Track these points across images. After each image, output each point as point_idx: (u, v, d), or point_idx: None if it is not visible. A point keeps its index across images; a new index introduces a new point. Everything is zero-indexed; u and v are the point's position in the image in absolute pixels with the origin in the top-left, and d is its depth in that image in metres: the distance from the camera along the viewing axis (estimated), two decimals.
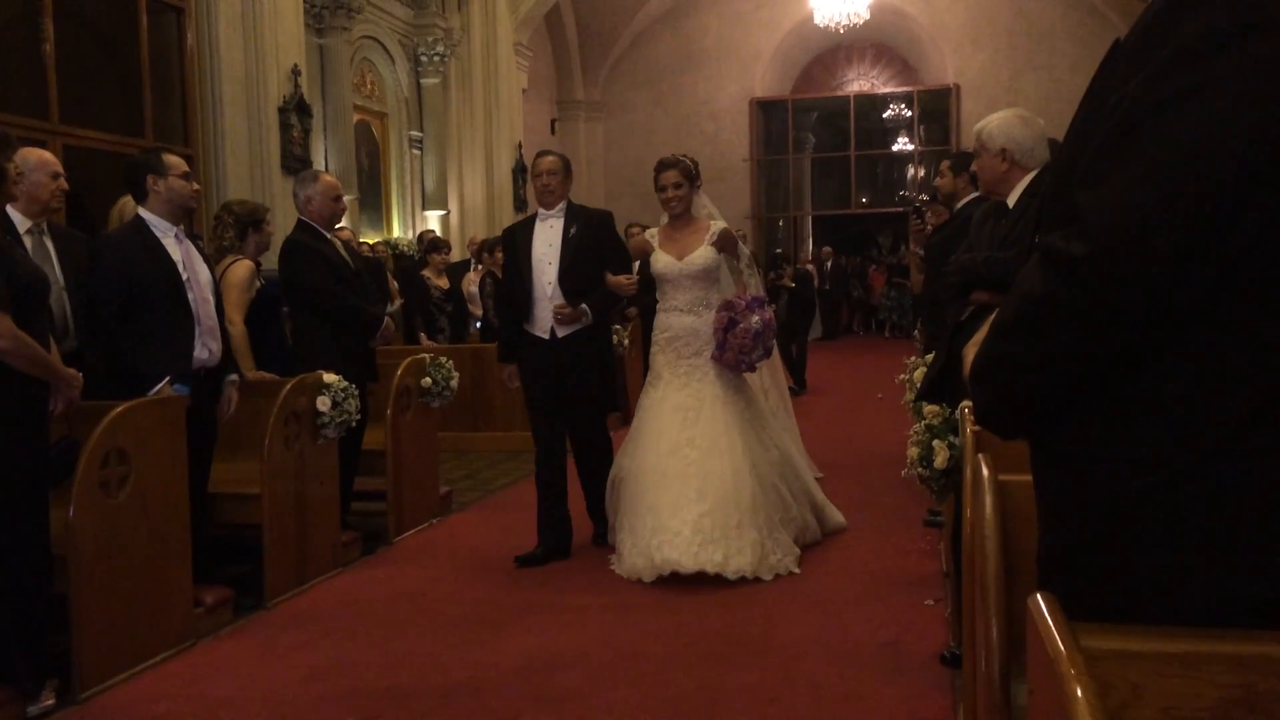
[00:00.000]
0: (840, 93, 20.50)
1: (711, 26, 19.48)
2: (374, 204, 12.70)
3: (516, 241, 5.01)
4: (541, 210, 4.96)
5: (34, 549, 3.28)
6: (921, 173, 20.04)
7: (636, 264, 5.05)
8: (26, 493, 3.24)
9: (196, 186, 4.28)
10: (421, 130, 13.59)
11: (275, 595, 4.37)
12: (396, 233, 12.95)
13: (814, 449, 7.34)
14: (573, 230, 4.87)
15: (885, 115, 21.38)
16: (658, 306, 4.94)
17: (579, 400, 4.94)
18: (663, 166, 4.91)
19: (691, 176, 4.88)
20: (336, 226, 5.38)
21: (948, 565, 4.04)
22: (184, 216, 4.21)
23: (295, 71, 9.55)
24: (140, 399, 3.75)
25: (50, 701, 3.32)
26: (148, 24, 8.15)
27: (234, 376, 4.31)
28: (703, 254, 4.79)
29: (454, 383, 5.74)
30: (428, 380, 5.57)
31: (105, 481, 3.50)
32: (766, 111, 20.19)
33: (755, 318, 4.66)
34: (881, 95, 20.73)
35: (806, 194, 21.96)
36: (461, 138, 13.96)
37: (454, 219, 13.74)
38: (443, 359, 5.76)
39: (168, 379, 3.96)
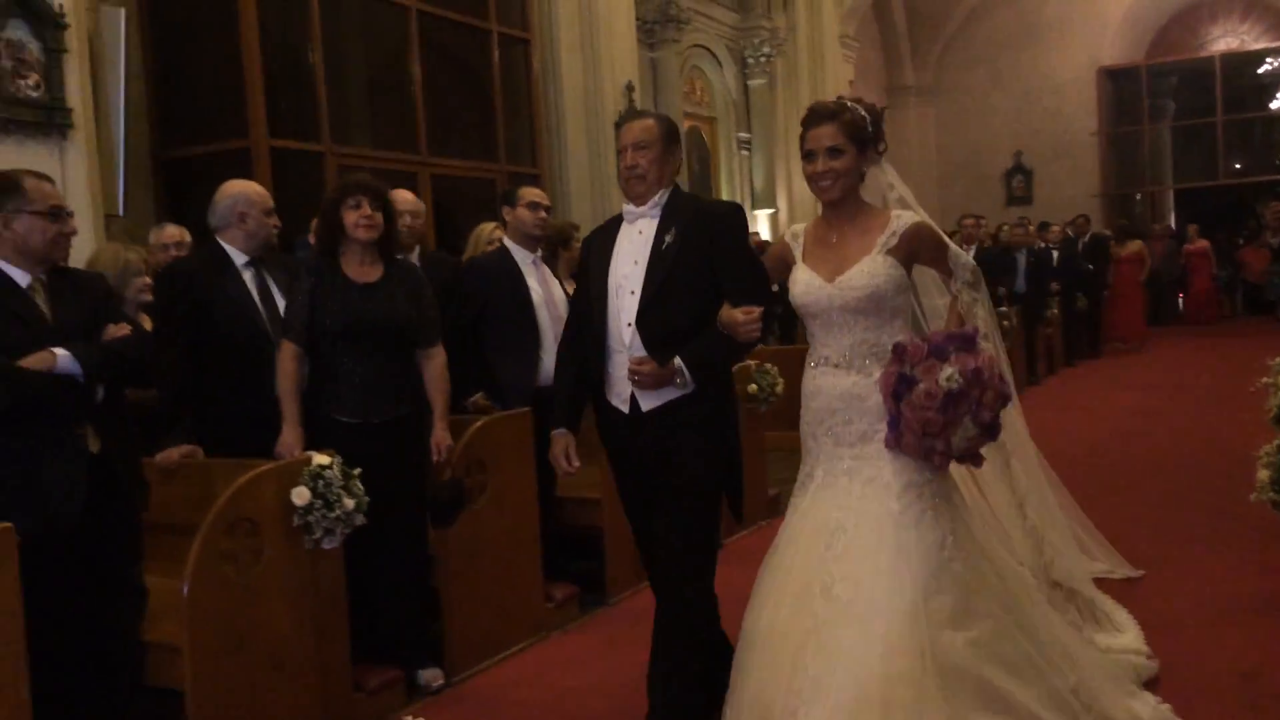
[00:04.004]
0: (1203, 53, 18.63)
1: None
2: None
3: (591, 257, 3.20)
4: (627, 208, 3.08)
5: (417, 552, 3.79)
6: None
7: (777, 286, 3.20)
8: (411, 508, 3.72)
9: (543, 215, 4.61)
10: (749, 131, 13.83)
11: (616, 593, 4.69)
12: None
13: (1171, 449, 6.80)
14: (668, 238, 2.99)
15: (1260, 72, 19.19)
16: (807, 357, 3.00)
17: (669, 517, 3.01)
18: (813, 119, 2.88)
19: (862, 137, 2.85)
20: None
21: None
22: (534, 244, 4.59)
23: (629, 87, 10.04)
24: (496, 414, 4.17)
25: (440, 682, 3.79)
26: (499, 56, 8.87)
27: None
28: (869, 269, 2.81)
29: (779, 388, 5.81)
30: (753, 387, 5.70)
31: (469, 489, 3.92)
32: (1116, 81, 18.73)
33: (948, 371, 2.63)
34: (1254, 52, 18.63)
35: (1166, 166, 20.13)
36: (789, 136, 14.04)
37: (783, 217, 13.87)
38: (768, 366, 5.86)
39: (480, 393, 4.40)
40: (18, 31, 5.18)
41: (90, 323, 3.00)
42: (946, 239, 2.93)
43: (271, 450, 3.49)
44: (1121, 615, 3.70)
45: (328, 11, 7.26)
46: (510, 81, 9.01)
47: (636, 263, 3.02)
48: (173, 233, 4.70)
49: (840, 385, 2.86)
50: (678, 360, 2.94)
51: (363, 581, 3.61)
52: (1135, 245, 14.21)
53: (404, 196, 4.65)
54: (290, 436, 3.51)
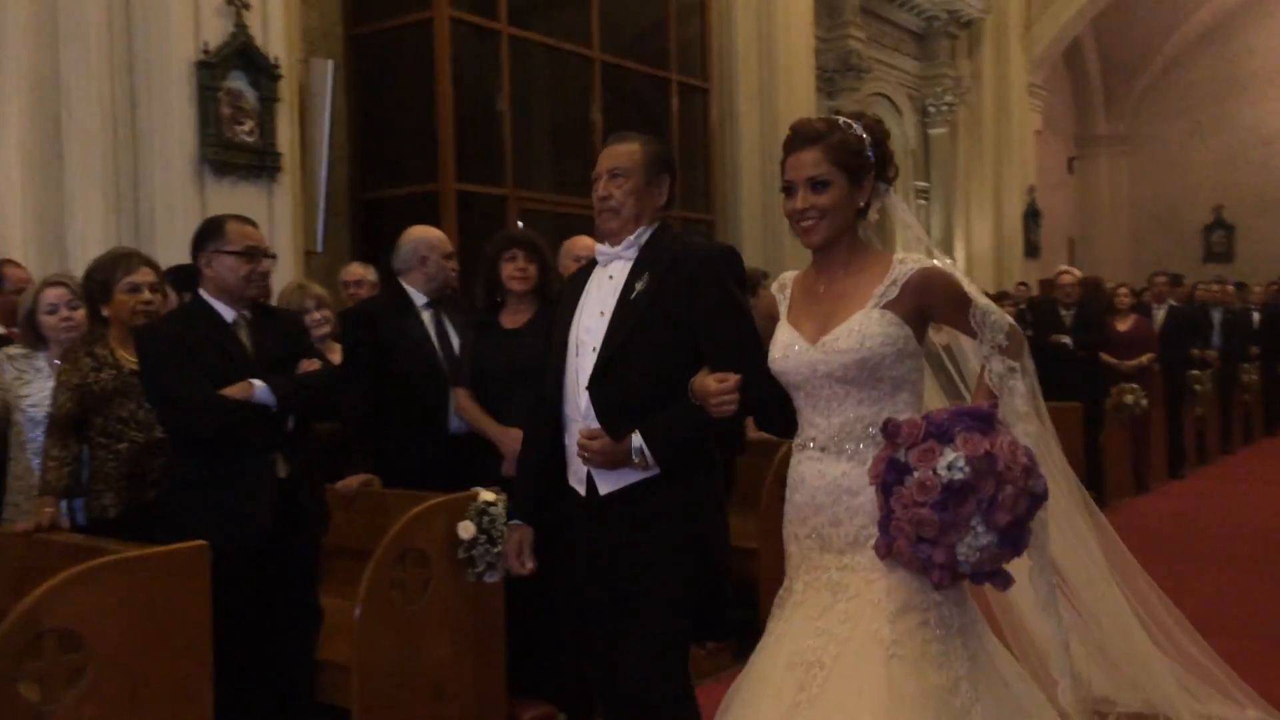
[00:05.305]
0: None
1: (1260, 45, 17.38)
2: None
3: (560, 307, 2.73)
4: (600, 249, 2.63)
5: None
6: None
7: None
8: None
9: None
10: (927, 180, 13.62)
11: None
12: None
13: None
14: (639, 285, 2.51)
15: None
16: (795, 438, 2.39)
17: (630, 634, 2.48)
18: (792, 142, 2.28)
19: (855, 164, 2.24)
20: None
21: None
22: None
23: None
24: None
25: None
26: (678, 104, 9.04)
27: None
28: (860, 327, 2.19)
29: None
30: None
31: None
32: None
33: (949, 457, 2.01)
34: None
35: None
36: (969, 185, 13.77)
37: (959, 268, 13.53)
38: None
39: None
40: (237, 82, 5.64)
41: (286, 357, 3.23)
42: (971, 290, 2.26)
43: (445, 483, 3.64)
44: None
45: (517, 61, 7.59)
46: (688, 129, 9.17)
47: (602, 314, 2.53)
48: (355, 271, 4.98)
49: (827, 475, 2.23)
50: (635, 437, 2.41)
51: (524, 616, 3.72)
52: None
53: (584, 243, 4.79)
54: (504, 436, 3.61)
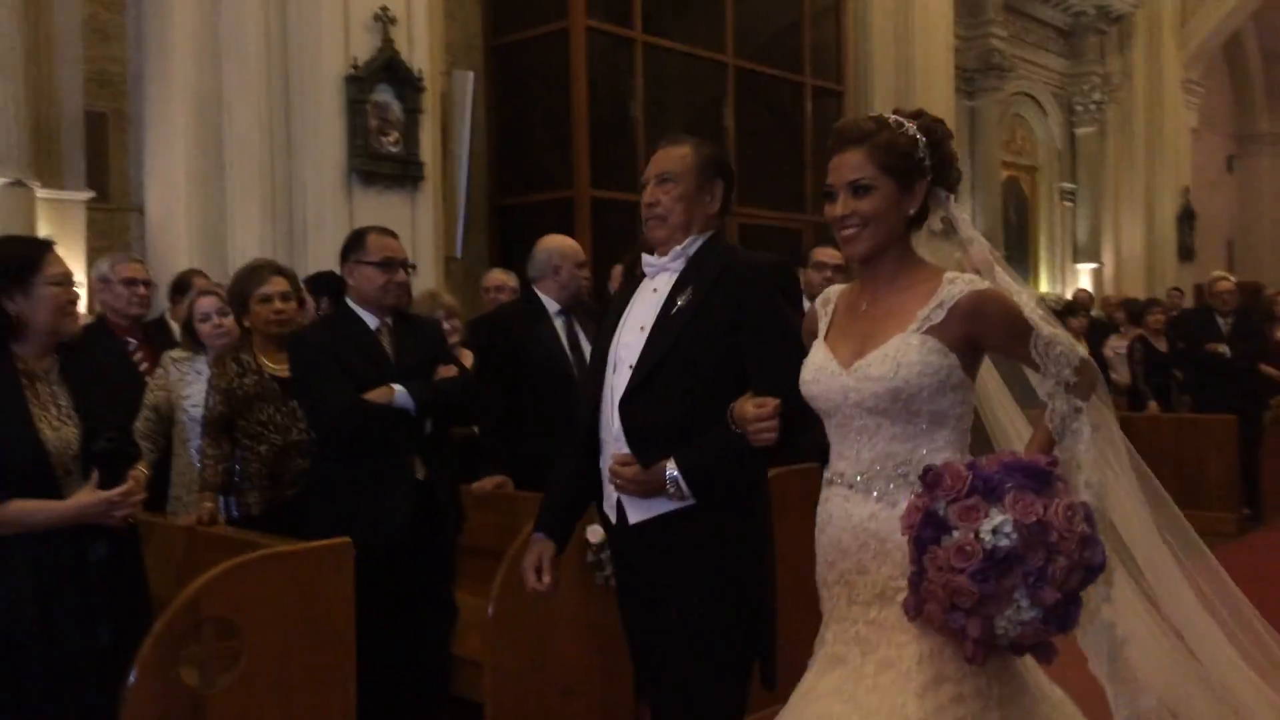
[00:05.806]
0: None
1: None
2: (1020, 259, 12.58)
3: (606, 319, 2.57)
4: (647, 259, 2.45)
5: None
6: None
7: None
8: None
9: (828, 274, 4.58)
10: (1074, 181, 13.17)
11: None
12: (1044, 288, 12.68)
13: None
14: (681, 300, 2.33)
15: None
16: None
17: (668, 669, 2.35)
18: (836, 143, 2.03)
19: (905, 167, 1.97)
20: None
21: None
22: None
23: None
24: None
25: None
26: (811, 108, 8.98)
27: None
28: (896, 353, 1.93)
29: None
30: None
31: None
32: None
33: (996, 520, 1.71)
34: None
35: None
36: (1119, 186, 13.26)
37: (1108, 272, 13.08)
38: None
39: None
40: (384, 95, 5.87)
41: (425, 363, 3.36)
42: (1034, 318, 1.95)
43: None
44: None
45: (651, 68, 7.67)
46: (821, 133, 9.06)
47: (642, 329, 2.35)
48: (496, 277, 5.11)
49: (855, 515, 1.97)
50: (670, 466, 2.23)
51: None
52: None
53: (829, 254, 4.82)
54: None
